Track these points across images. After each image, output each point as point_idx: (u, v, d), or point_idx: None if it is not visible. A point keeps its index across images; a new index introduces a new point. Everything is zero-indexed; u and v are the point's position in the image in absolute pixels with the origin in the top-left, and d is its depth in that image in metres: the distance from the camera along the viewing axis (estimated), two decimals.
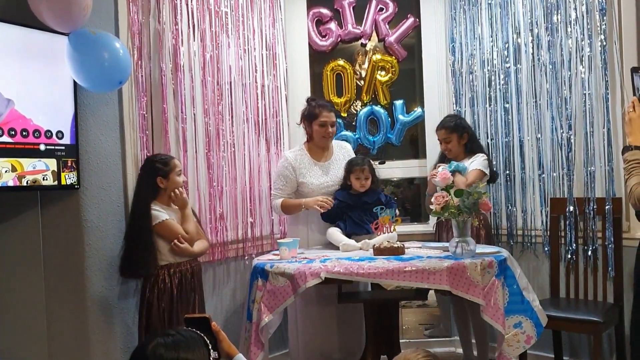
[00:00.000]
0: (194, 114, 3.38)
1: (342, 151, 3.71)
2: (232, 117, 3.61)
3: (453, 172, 3.30)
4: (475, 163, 3.46)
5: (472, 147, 3.60)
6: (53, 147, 2.65)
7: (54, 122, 2.66)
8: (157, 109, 3.21)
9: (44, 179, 2.62)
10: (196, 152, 3.39)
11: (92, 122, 2.89)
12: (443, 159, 3.64)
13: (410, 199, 4.44)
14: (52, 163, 2.65)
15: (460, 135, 3.56)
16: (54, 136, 2.66)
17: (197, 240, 3.02)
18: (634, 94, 2.56)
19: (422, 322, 4.27)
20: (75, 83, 2.73)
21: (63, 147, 2.70)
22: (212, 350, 1.86)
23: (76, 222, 2.84)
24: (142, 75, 3.11)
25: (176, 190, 2.94)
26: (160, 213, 2.91)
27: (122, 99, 3.03)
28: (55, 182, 2.67)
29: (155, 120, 3.21)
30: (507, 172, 3.80)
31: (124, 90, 3.02)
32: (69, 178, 2.73)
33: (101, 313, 2.92)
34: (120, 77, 2.74)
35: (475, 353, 3.73)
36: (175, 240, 2.90)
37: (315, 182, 3.53)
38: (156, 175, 2.94)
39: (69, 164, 2.73)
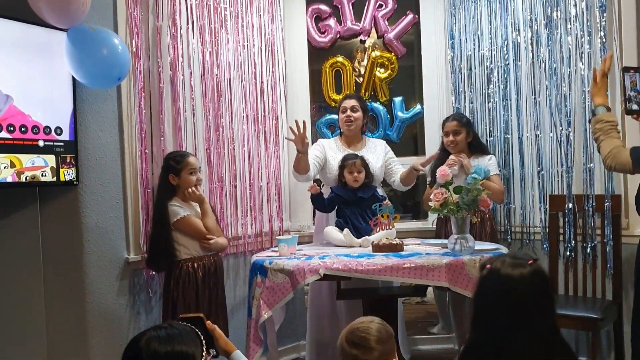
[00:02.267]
0: (193, 110, 3.38)
1: (378, 145, 3.74)
2: (231, 113, 3.61)
3: (485, 178, 3.33)
4: (494, 168, 3.59)
5: (477, 146, 3.67)
6: (52, 143, 2.65)
7: (52, 118, 2.66)
8: (155, 106, 3.20)
9: (42, 175, 2.62)
10: (195, 148, 3.38)
11: (90, 118, 2.89)
12: (443, 156, 3.63)
13: (409, 196, 4.43)
14: (50, 159, 2.65)
15: (467, 132, 3.64)
16: (53, 132, 2.66)
17: (219, 237, 3.08)
18: (623, 94, 2.59)
19: (420, 319, 4.27)
20: (74, 79, 2.73)
21: (62, 143, 2.70)
22: (210, 349, 1.87)
23: (75, 219, 2.84)
24: (140, 72, 3.11)
25: (190, 189, 2.97)
26: (180, 209, 2.95)
27: (120, 95, 3.03)
28: (54, 178, 2.67)
29: (154, 116, 3.20)
30: (506, 169, 3.80)
31: (123, 86, 3.02)
32: (67, 174, 2.73)
33: (100, 310, 2.93)
34: (119, 73, 2.74)
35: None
36: (204, 241, 2.97)
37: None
38: (168, 172, 2.98)
39: (68, 160, 2.73)
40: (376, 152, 3.70)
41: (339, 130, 3.82)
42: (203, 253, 3.01)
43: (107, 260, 2.96)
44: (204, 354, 1.54)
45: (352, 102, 3.64)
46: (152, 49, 3.20)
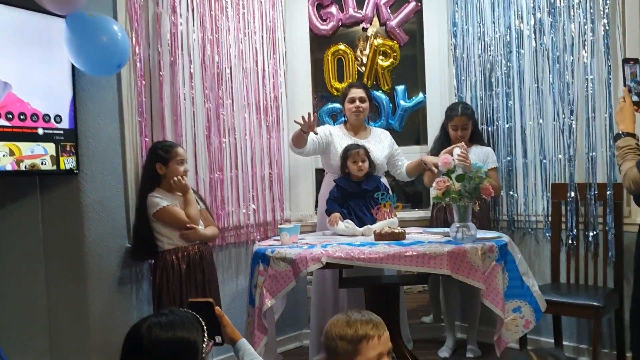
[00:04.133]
0: (193, 98, 3.36)
1: (383, 134, 3.78)
2: (232, 101, 3.59)
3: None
4: (491, 162, 3.62)
5: (476, 136, 3.72)
6: (51, 132, 2.64)
7: (52, 105, 2.64)
8: (156, 93, 3.19)
9: (42, 164, 2.60)
10: (195, 137, 3.37)
11: (90, 106, 2.87)
12: (443, 144, 3.62)
13: (411, 186, 4.42)
14: (50, 147, 2.63)
15: (473, 124, 3.67)
16: (52, 120, 2.64)
17: (207, 227, 3.06)
18: (624, 85, 2.59)
19: (422, 308, 4.28)
20: (73, 66, 2.71)
21: (62, 132, 2.68)
22: (216, 335, 1.86)
23: (76, 207, 2.83)
24: (140, 59, 3.09)
25: (175, 178, 2.93)
26: (160, 200, 2.91)
27: (120, 83, 3.01)
28: (54, 167, 2.66)
29: (154, 104, 3.19)
30: (509, 157, 3.78)
31: (123, 74, 3.00)
32: (68, 163, 2.71)
33: (102, 298, 2.92)
34: (118, 60, 2.72)
35: (459, 336, 3.87)
36: (183, 231, 2.93)
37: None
38: (156, 161, 2.94)
39: (68, 149, 2.72)
40: (382, 142, 3.71)
41: (344, 118, 3.81)
42: (187, 243, 2.96)
43: (109, 249, 2.95)
44: (205, 340, 1.53)
45: (360, 93, 3.66)
46: (152, 37, 3.18)
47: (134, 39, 3.05)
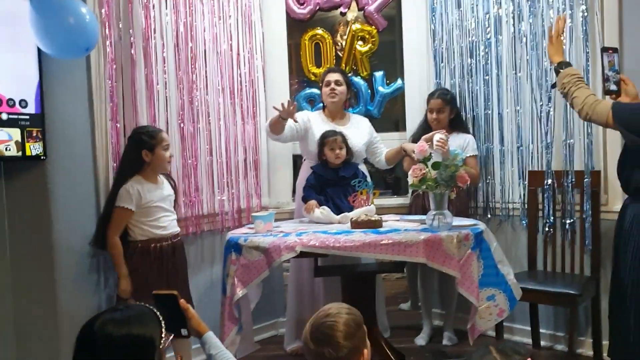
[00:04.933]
0: (166, 83, 3.28)
1: (362, 121, 3.75)
2: (206, 86, 3.51)
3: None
4: (470, 149, 3.59)
5: (457, 123, 3.68)
6: (16, 117, 2.55)
7: (17, 90, 2.55)
8: (127, 77, 3.10)
9: (6, 150, 2.52)
10: (168, 121, 3.29)
11: (58, 90, 2.78)
12: (425, 130, 3.59)
13: (391, 172, 4.39)
14: (15, 133, 2.55)
15: (451, 109, 3.64)
16: (17, 105, 2.55)
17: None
18: (602, 74, 2.59)
19: (401, 295, 4.27)
20: (39, 49, 2.62)
21: (27, 117, 2.60)
22: (181, 328, 1.81)
23: (43, 195, 2.75)
24: (111, 42, 3.00)
25: None
26: (128, 197, 2.83)
27: (90, 67, 2.92)
28: (20, 153, 2.57)
29: (126, 89, 3.11)
30: (486, 144, 3.76)
31: (92, 57, 2.92)
32: (34, 149, 2.63)
33: (72, 287, 2.85)
34: (86, 43, 2.63)
35: (436, 323, 3.87)
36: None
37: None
38: (142, 147, 2.88)
39: (34, 134, 2.63)
40: (360, 129, 3.67)
41: (322, 104, 3.76)
42: (159, 235, 2.92)
43: (78, 237, 2.87)
44: (163, 334, 1.47)
45: (335, 76, 3.61)
46: (124, 19, 3.09)
47: (103, 21, 2.96)
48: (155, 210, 2.92)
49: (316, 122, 3.62)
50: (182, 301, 1.80)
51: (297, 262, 3.56)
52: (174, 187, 3.12)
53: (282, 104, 3.28)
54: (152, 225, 2.91)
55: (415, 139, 3.63)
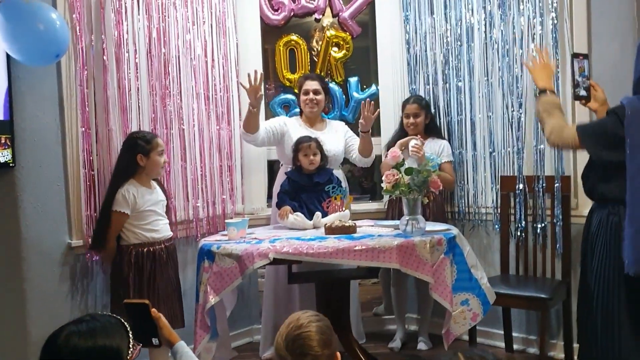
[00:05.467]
0: (139, 89, 3.26)
1: (339, 126, 3.77)
2: (180, 92, 3.49)
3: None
4: (446, 156, 3.63)
5: (432, 129, 3.74)
6: None
7: None
8: (99, 84, 3.07)
9: None
10: (140, 128, 3.25)
11: (28, 96, 2.76)
12: (401, 135, 3.62)
13: (365, 177, 4.40)
14: None
15: (426, 115, 3.68)
16: None
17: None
18: (572, 79, 2.63)
19: (376, 300, 4.28)
20: (8, 55, 2.59)
21: None
22: (152, 338, 1.79)
23: (11, 203, 2.72)
24: (82, 48, 2.97)
25: None
26: (124, 201, 2.87)
27: (60, 73, 2.90)
28: None
29: (98, 95, 3.08)
30: (459, 150, 3.80)
31: (63, 63, 2.90)
32: (2, 156, 2.60)
33: (40, 298, 2.82)
34: (57, 50, 2.61)
35: (412, 328, 3.91)
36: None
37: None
38: (136, 152, 2.91)
39: (3, 141, 2.60)
40: (337, 134, 3.69)
41: (298, 110, 3.76)
42: (153, 239, 2.94)
43: (48, 246, 2.84)
44: (130, 346, 1.45)
45: (314, 85, 3.62)
46: (95, 24, 3.06)
47: (74, 27, 2.93)
48: (149, 214, 2.96)
49: (293, 127, 3.62)
50: (153, 310, 1.79)
51: (273, 268, 3.55)
52: (165, 193, 3.15)
53: (249, 75, 3.28)
54: (146, 229, 2.94)
55: (390, 146, 3.64)
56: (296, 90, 3.94)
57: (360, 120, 3.52)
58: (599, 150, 2.38)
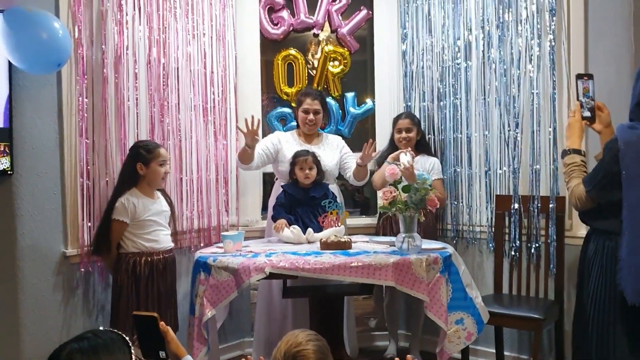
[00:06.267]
0: (137, 99, 3.25)
1: (335, 140, 3.76)
2: (178, 104, 3.49)
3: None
4: (436, 173, 3.65)
5: (423, 146, 3.77)
6: None
7: None
8: (98, 94, 3.07)
9: None
10: (137, 139, 3.24)
11: (28, 105, 2.75)
12: (391, 151, 3.64)
13: (360, 192, 4.41)
14: None
15: (417, 131, 3.72)
16: None
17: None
18: (577, 99, 2.61)
19: (369, 315, 4.27)
20: (10, 63, 2.58)
21: None
22: (160, 351, 1.78)
23: (8, 210, 2.71)
24: (83, 58, 2.97)
25: None
26: (124, 210, 2.88)
27: (61, 82, 2.90)
28: None
29: (97, 105, 3.07)
30: (455, 168, 3.82)
31: (64, 72, 2.89)
32: (1, 163, 2.59)
33: (34, 306, 2.80)
34: (58, 59, 2.61)
35: (402, 344, 3.90)
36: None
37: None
38: (137, 160, 2.93)
39: (2, 149, 2.59)
40: (332, 148, 3.70)
41: (296, 124, 3.78)
42: (152, 249, 2.95)
43: (43, 254, 2.83)
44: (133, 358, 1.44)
45: (315, 105, 3.62)
46: (96, 35, 3.06)
47: (76, 36, 2.93)
48: (149, 224, 2.96)
49: (288, 143, 3.63)
50: (162, 323, 1.78)
51: (266, 282, 3.53)
52: (170, 204, 3.15)
53: (246, 120, 3.30)
54: (145, 238, 2.94)
55: (380, 161, 3.68)
56: (293, 104, 3.96)
57: (359, 159, 3.48)
58: (606, 195, 2.37)
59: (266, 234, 3.68)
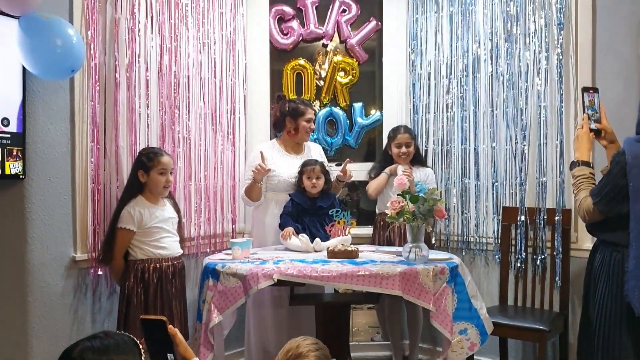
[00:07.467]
0: (149, 106, 3.29)
1: (316, 149, 3.77)
2: (188, 111, 3.53)
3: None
4: (430, 184, 3.66)
5: (418, 158, 3.80)
6: None
7: None
8: (110, 100, 3.11)
9: None
10: (148, 145, 3.26)
11: (41, 110, 2.79)
12: (387, 164, 3.70)
13: (365, 202, 4.43)
14: None
15: (415, 145, 3.74)
16: None
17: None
18: (584, 112, 2.64)
19: (372, 325, 4.27)
20: (24, 69, 2.62)
21: (8, 135, 2.59)
22: (168, 353, 1.79)
23: (19, 214, 2.73)
24: (95, 64, 3.01)
25: None
26: (129, 218, 2.88)
27: (73, 88, 2.94)
28: None
29: (108, 111, 3.11)
30: (462, 179, 3.84)
31: (76, 78, 2.93)
32: (13, 167, 2.61)
33: (43, 310, 2.83)
34: (72, 65, 2.65)
35: (406, 354, 3.88)
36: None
37: (285, 173, 3.52)
38: (139, 168, 2.93)
39: (15, 153, 2.62)
40: (312, 156, 3.66)
41: (280, 133, 3.71)
42: (160, 256, 2.94)
43: (52, 258, 2.85)
44: None
45: (312, 115, 3.66)
46: (109, 42, 3.11)
47: (89, 43, 2.97)
48: (156, 231, 2.95)
49: (275, 158, 3.57)
50: (170, 327, 1.79)
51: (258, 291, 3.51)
52: (178, 211, 3.15)
53: (261, 166, 3.34)
54: (153, 245, 2.94)
55: (375, 174, 3.74)
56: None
57: (340, 173, 3.55)
58: (613, 207, 2.38)
59: (252, 234, 3.68)
